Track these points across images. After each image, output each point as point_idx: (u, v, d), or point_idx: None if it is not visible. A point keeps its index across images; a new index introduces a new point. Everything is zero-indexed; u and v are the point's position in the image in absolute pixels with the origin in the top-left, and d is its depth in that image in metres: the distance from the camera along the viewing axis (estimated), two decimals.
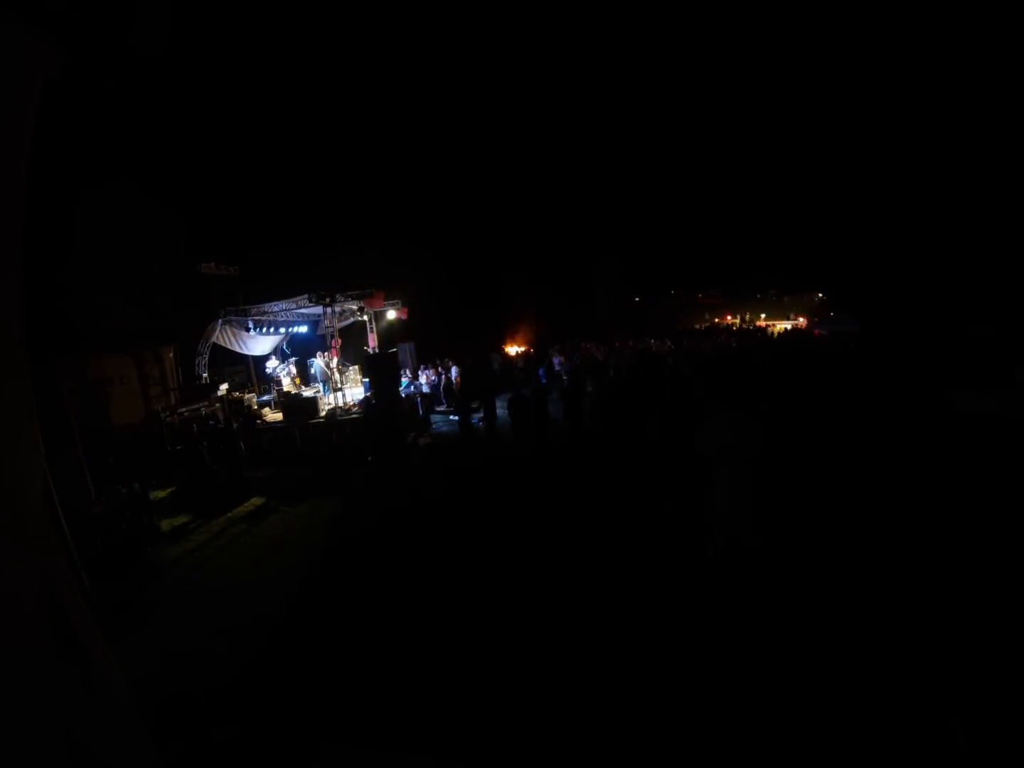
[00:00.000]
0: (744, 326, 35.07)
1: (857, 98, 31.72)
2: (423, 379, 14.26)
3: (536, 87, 36.28)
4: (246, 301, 13.37)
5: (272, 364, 13.50)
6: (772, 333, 25.29)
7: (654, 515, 5.66)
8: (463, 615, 4.40)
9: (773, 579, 4.13)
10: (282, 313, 12.69)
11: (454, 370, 14.61)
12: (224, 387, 12.44)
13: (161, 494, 8.84)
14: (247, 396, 12.61)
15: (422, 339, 17.91)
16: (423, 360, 16.30)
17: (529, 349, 20.53)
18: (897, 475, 5.95)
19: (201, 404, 11.43)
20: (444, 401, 14.37)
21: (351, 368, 13.68)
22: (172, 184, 16.52)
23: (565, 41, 31.87)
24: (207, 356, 12.61)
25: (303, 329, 14.34)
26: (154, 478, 9.08)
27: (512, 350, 20.75)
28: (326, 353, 13.00)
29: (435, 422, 12.88)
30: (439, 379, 14.65)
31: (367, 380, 11.61)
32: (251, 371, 14.79)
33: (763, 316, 44.15)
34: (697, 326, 36.30)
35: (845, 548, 4.64)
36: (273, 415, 12.40)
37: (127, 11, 1.04)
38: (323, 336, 13.25)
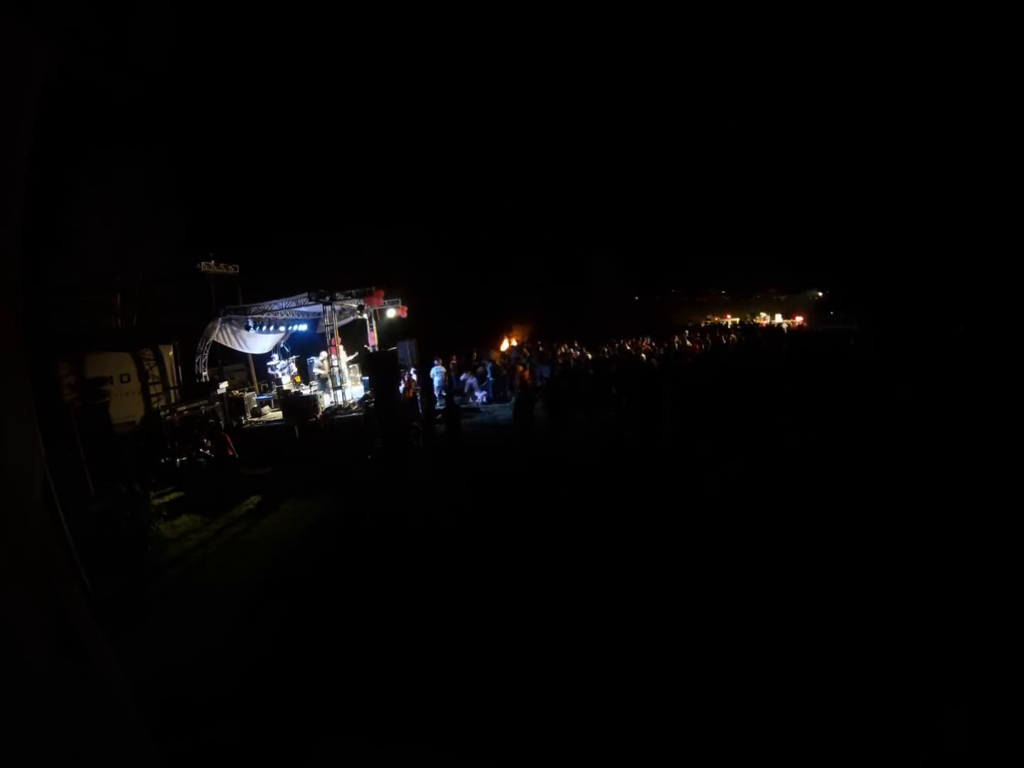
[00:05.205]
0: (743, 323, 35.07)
1: (858, 98, 31.70)
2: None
3: (537, 82, 36.25)
4: (246, 299, 13.34)
5: (282, 365, 13.43)
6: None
7: None
8: (464, 609, 4.40)
9: None
10: (282, 311, 12.68)
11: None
12: (224, 385, 12.42)
13: (161, 492, 8.84)
14: (247, 394, 12.60)
15: (423, 337, 17.74)
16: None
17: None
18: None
19: (201, 403, 11.42)
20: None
21: (351, 367, 13.64)
22: (172, 182, 16.49)
23: (566, 38, 31.83)
24: (207, 354, 12.59)
25: (303, 327, 14.32)
26: (154, 477, 9.08)
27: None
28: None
29: None
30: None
31: (367, 379, 11.57)
32: (251, 369, 14.77)
33: (763, 315, 44.03)
34: (703, 323, 36.30)
35: None
36: (273, 413, 12.41)
37: (128, 11, 1.04)
38: (323, 334, 13.20)
